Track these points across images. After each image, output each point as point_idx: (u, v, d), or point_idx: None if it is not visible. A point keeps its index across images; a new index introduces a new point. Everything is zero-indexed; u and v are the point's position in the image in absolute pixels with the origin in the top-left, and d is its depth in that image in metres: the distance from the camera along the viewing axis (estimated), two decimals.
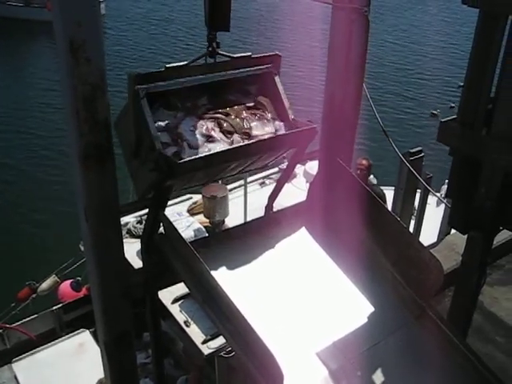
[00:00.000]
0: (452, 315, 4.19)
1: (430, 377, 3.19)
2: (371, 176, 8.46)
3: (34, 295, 8.75)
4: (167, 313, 6.51)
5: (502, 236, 6.72)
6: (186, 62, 3.41)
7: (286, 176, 4.32)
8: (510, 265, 7.05)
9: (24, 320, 7.59)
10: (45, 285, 8.85)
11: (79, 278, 8.47)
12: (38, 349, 6.86)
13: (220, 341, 6.02)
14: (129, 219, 7.89)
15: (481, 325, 5.80)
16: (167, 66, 3.34)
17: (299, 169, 8.47)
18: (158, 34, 28.54)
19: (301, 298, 3.48)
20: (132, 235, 7.56)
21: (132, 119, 3.32)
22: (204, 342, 6.11)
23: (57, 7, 2.58)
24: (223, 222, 7.67)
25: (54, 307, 7.93)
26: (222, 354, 5.69)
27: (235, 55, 3.61)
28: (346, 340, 3.26)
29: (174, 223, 3.36)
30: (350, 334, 3.30)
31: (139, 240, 3.78)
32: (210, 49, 3.51)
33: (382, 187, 7.76)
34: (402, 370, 3.31)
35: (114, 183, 3.12)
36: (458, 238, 5.50)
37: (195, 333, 6.25)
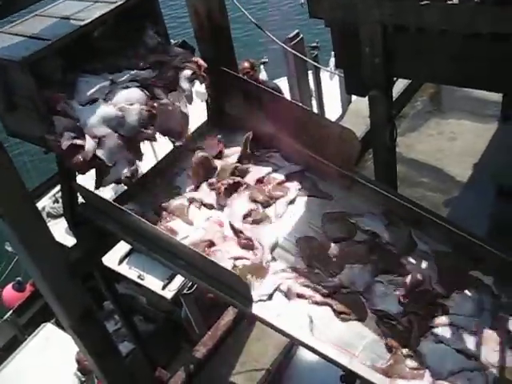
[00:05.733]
0: (378, 174, 4.39)
1: None
2: (262, 73, 8.45)
3: None
4: (119, 275, 6.48)
5: (399, 86, 7.00)
6: None
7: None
8: (414, 110, 7.40)
9: None
10: None
11: (19, 278, 8.20)
12: (6, 361, 6.65)
13: (178, 281, 6.10)
14: (43, 203, 7.61)
15: (405, 174, 6.13)
16: None
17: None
18: None
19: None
20: (53, 216, 7.33)
21: None
22: (164, 288, 6.18)
23: None
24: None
25: (6, 316, 7.72)
26: (184, 291, 5.80)
27: None
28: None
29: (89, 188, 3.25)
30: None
31: (63, 218, 3.66)
32: None
33: (274, 81, 7.79)
34: None
35: (14, 173, 2.95)
36: (360, 103, 5.66)
37: (152, 282, 6.29)
